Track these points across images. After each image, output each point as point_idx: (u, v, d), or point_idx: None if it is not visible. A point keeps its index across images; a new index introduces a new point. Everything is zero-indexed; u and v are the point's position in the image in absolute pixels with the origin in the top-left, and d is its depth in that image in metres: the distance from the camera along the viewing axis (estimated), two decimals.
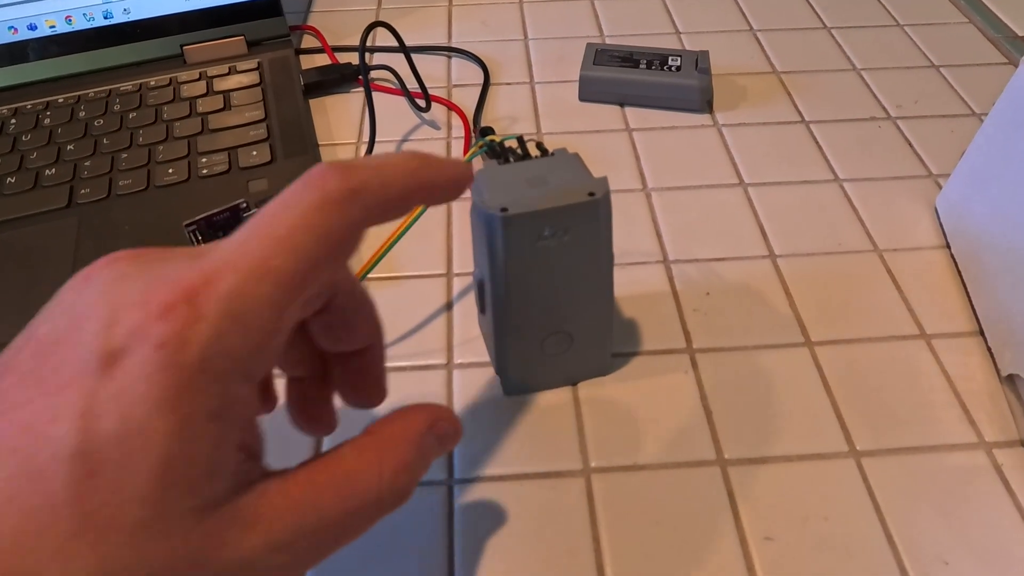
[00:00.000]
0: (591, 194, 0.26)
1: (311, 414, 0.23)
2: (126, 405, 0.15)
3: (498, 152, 0.29)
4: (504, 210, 0.25)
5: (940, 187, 0.40)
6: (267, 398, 0.22)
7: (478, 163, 0.30)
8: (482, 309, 0.29)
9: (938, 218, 0.38)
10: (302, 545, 0.17)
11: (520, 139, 0.30)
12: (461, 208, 0.39)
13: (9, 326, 0.32)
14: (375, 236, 0.37)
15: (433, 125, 0.45)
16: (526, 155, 0.29)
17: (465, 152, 0.42)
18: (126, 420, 0.15)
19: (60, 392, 0.15)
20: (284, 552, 0.17)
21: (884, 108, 0.45)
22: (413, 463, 0.20)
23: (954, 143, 0.43)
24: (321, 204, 0.17)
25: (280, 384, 0.23)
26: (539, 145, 0.30)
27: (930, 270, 0.36)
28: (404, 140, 0.44)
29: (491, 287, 0.27)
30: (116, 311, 0.16)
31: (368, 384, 0.23)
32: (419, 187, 0.19)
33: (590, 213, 0.26)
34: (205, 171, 0.40)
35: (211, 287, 0.16)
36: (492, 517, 0.28)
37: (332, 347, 0.22)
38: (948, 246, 0.37)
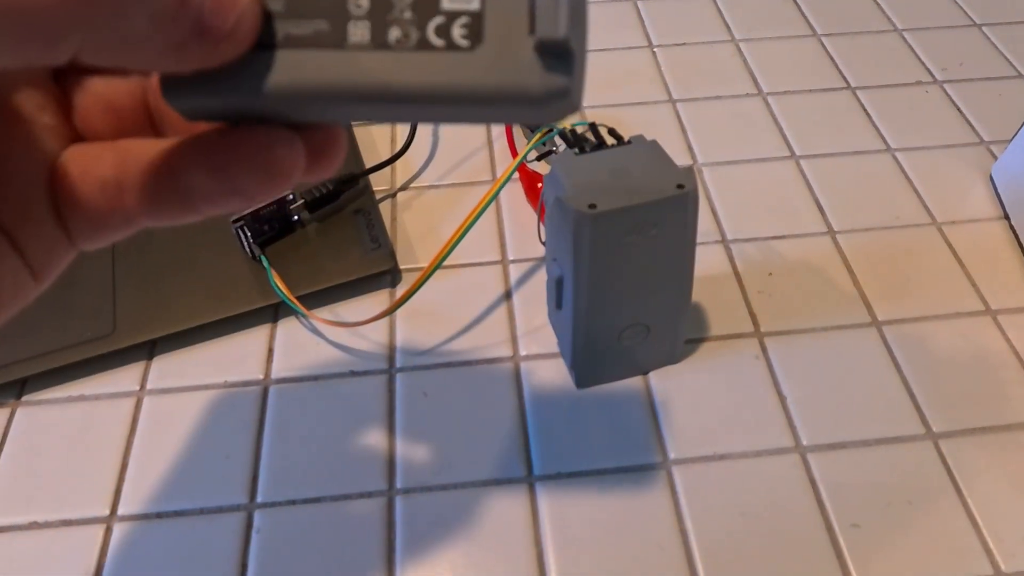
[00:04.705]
0: (680, 186, 0.25)
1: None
2: None
3: (570, 140, 0.28)
4: (592, 207, 0.24)
5: (992, 154, 0.40)
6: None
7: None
8: (559, 305, 0.28)
9: (994, 188, 0.38)
10: None
11: (593, 125, 0.28)
12: (509, 191, 0.38)
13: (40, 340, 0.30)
14: (437, 226, 0.36)
15: None
16: (601, 143, 0.28)
17: (509, 135, 0.40)
18: None
19: None
20: None
21: (929, 71, 0.44)
22: None
23: (1002, 107, 0.42)
24: None
25: None
26: (612, 131, 0.28)
27: (989, 243, 0.36)
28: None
29: (572, 283, 0.27)
30: None
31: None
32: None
33: (680, 206, 0.25)
34: None
35: None
36: (577, 514, 0.27)
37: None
38: (1007, 217, 0.37)
